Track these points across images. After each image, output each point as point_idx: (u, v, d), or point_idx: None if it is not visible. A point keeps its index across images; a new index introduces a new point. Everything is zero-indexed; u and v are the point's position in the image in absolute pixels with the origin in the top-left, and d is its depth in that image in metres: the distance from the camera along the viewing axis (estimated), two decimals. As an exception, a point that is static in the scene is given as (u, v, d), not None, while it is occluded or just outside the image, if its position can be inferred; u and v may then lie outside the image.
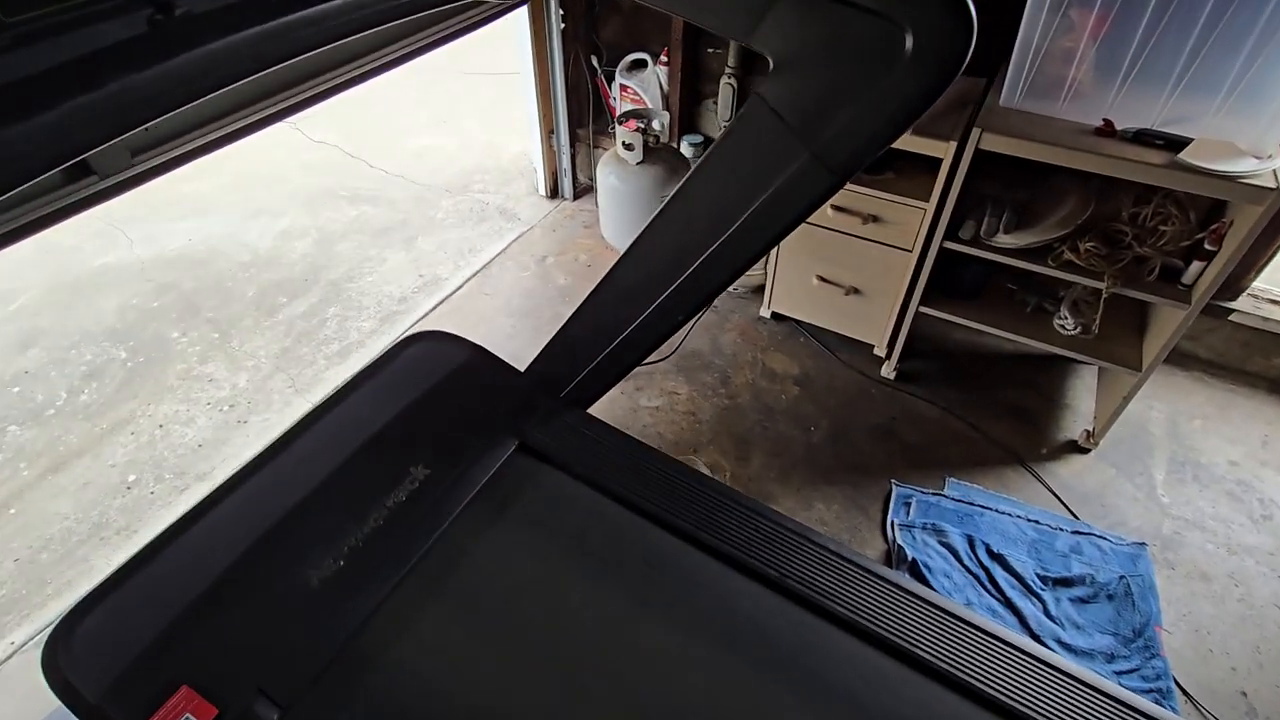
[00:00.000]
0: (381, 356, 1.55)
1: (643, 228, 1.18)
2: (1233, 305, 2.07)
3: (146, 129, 1.46)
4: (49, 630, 1.11)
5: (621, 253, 1.33)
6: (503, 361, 1.58)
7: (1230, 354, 2.19)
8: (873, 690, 1.11)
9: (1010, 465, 1.95)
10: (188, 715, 1.02)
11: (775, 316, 2.39)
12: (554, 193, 3.01)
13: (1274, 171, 1.39)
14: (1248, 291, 2.07)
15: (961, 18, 0.71)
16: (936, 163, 1.72)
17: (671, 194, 1.10)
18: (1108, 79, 1.50)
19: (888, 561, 1.73)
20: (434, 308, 2.49)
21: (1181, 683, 1.50)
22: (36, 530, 1.81)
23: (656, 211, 1.14)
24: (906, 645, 1.12)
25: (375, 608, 1.16)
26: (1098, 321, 1.80)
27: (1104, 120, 1.53)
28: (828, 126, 0.85)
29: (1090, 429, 1.98)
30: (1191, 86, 1.43)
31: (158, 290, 2.59)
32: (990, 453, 1.98)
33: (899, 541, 1.73)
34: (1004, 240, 1.72)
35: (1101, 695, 1.08)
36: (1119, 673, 1.50)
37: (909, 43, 0.75)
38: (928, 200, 1.79)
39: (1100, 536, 1.75)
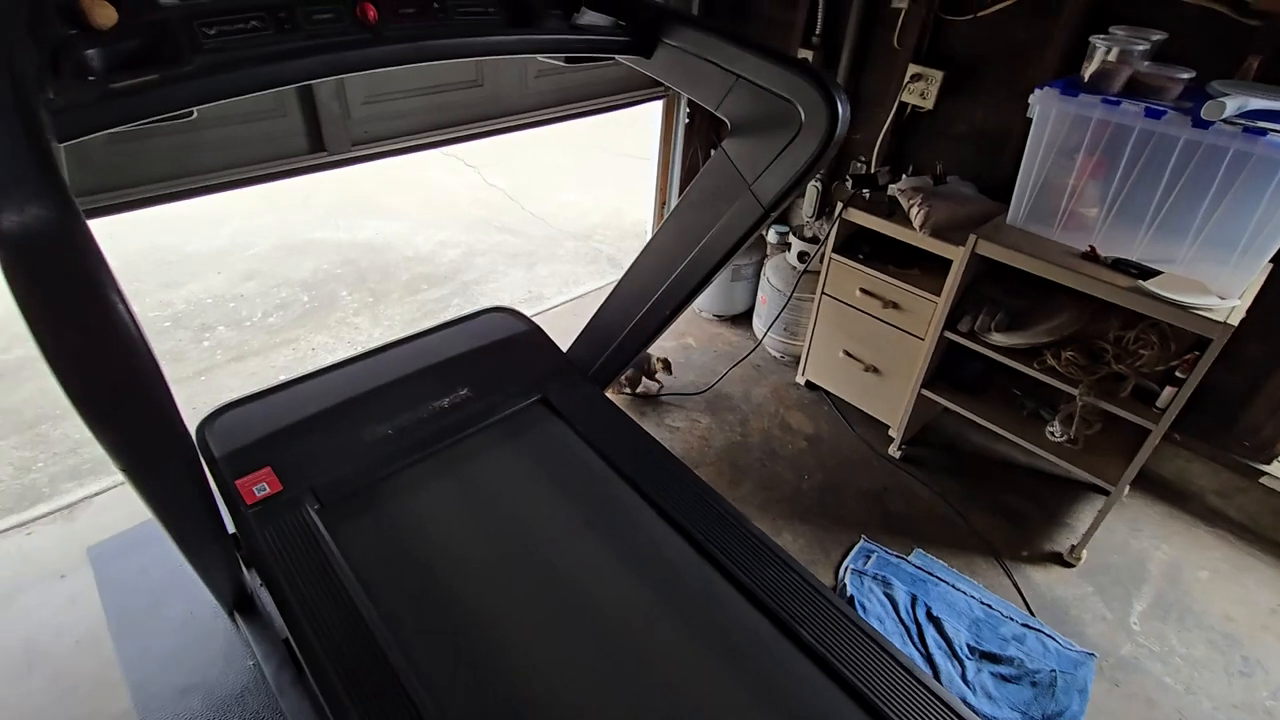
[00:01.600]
0: (467, 315, 2.07)
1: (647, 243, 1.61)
2: (1265, 468, 2.06)
3: (367, 132, 2.11)
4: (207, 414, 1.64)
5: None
6: (551, 340, 2.03)
7: (1262, 519, 2.12)
8: (748, 648, 1.32)
9: (984, 556, 2.03)
10: (263, 484, 1.49)
11: (809, 385, 2.66)
12: (658, 254, 3.53)
13: (1232, 309, 1.54)
14: (1282, 457, 2.05)
15: (830, 102, 1.08)
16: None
17: (667, 215, 1.52)
18: (1096, 212, 1.74)
19: (831, 595, 1.89)
20: (531, 316, 3.03)
21: (1081, 779, 1.51)
22: (211, 394, 2.48)
23: (656, 229, 1.56)
24: (798, 627, 1.31)
25: (401, 468, 1.59)
26: (1075, 428, 1.91)
27: (1090, 246, 1.75)
28: (759, 170, 1.24)
29: (1076, 543, 2.02)
30: (1163, 228, 1.63)
31: (343, 262, 3.39)
32: (969, 541, 2.08)
33: (845, 581, 1.90)
34: (996, 338, 1.93)
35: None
36: (1014, 745, 1.55)
37: (802, 116, 1.13)
38: (940, 295, 2.05)
39: (1049, 635, 1.80)
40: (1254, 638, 1.84)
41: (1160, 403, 1.72)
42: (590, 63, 1.32)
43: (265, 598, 1.59)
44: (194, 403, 2.41)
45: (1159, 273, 1.64)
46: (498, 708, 1.19)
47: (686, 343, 2.92)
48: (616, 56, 1.30)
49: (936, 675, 1.68)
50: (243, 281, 3.19)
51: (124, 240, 3.43)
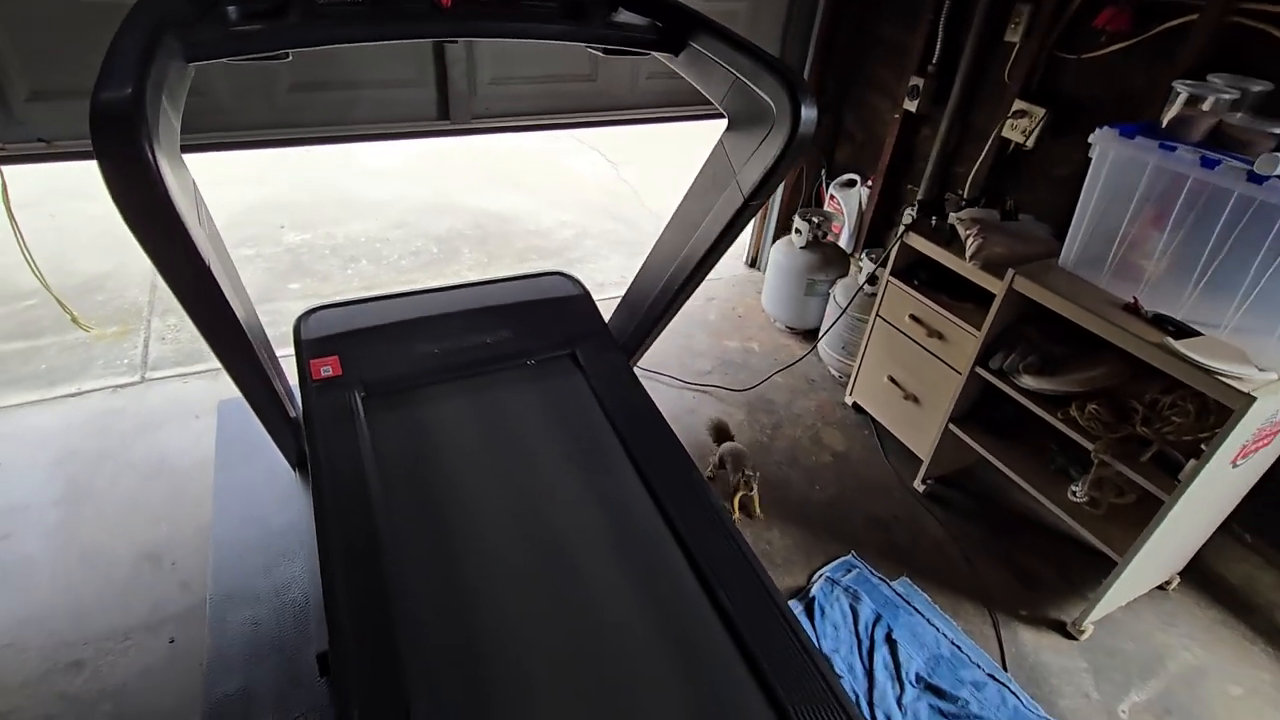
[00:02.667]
0: (531, 273, 2.35)
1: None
2: (1347, 593, 1.78)
3: (488, 109, 2.47)
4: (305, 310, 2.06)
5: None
6: (596, 308, 2.26)
7: (1339, 655, 1.83)
8: (666, 591, 1.44)
9: (976, 603, 1.95)
10: (328, 367, 1.86)
11: (855, 407, 2.65)
12: (753, 263, 3.65)
13: (1270, 386, 1.40)
14: (1373, 586, 1.77)
15: (795, 103, 1.20)
16: (998, 300, 1.95)
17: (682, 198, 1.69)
18: (1147, 264, 1.64)
19: (793, 597, 1.93)
20: (615, 296, 3.29)
21: (988, 829, 1.46)
22: (338, 309, 3.00)
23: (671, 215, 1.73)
24: (717, 588, 1.41)
25: (436, 382, 1.89)
26: (1087, 487, 1.79)
27: (1133, 298, 1.65)
28: (744, 163, 1.37)
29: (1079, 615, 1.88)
30: (1211, 288, 1.51)
31: (473, 225, 3.87)
32: (966, 586, 2.00)
33: (813, 583, 1.93)
34: (1025, 380, 1.86)
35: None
36: (925, 773, 1.52)
37: (775, 113, 1.25)
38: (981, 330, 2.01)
39: (1013, 692, 1.71)
40: (1270, 769, 1.62)
41: (1182, 475, 1.58)
42: (627, 55, 1.53)
43: (315, 459, 1.97)
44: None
45: (1198, 334, 1.53)
46: (446, 583, 1.42)
47: (750, 346, 3.03)
48: (650, 52, 1.50)
49: (871, 686, 1.68)
50: (392, 228, 3.78)
51: (317, 183, 4.19)
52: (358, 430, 1.72)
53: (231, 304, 1.32)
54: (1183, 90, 1.61)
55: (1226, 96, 1.57)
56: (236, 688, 1.60)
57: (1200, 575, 2.04)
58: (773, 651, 1.36)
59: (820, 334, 2.88)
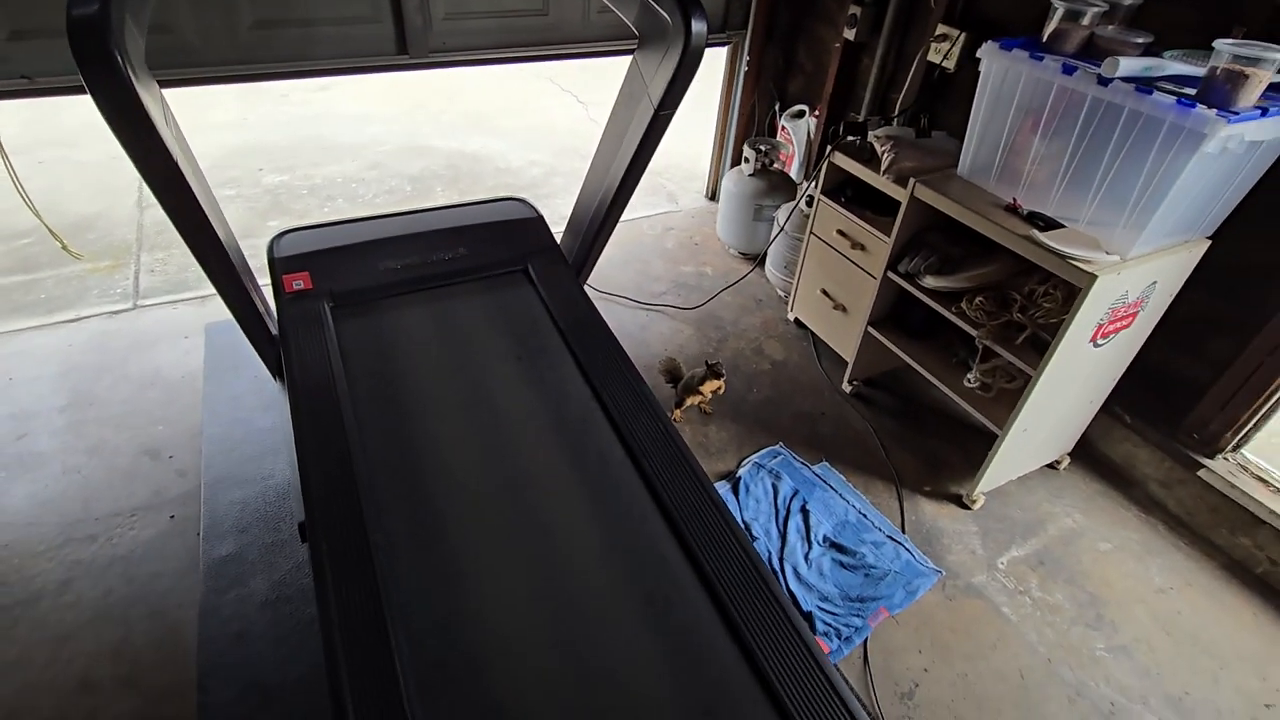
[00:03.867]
0: (489, 198, 2.53)
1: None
2: (1205, 461, 2.02)
3: (445, 43, 2.62)
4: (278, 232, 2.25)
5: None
6: (548, 229, 2.44)
7: (1199, 516, 2.08)
8: (594, 458, 1.67)
9: (886, 482, 2.20)
10: (300, 281, 2.06)
11: (797, 323, 2.86)
12: (712, 196, 3.81)
13: (1113, 268, 1.61)
14: (1226, 453, 2.01)
15: (687, 18, 1.37)
16: (907, 209, 2.14)
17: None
18: (1023, 168, 1.83)
19: (722, 479, 2.17)
20: (578, 228, 3.46)
21: (869, 650, 1.73)
22: (316, 243, 3.18)
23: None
24: (641, 457, 1.64)
25: (397, 294, 2.10)
26: (976, 373, 2.01)
27: (1014, 198, 1.85)
28: (652, 74, 1.55)
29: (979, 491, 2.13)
30: (1072, 184, 1.71)
31: (447, 166, 4.02)
32: (879, 468, 2.25)
33: (742, 467, 2.17)
34: (927, 281, 2.06)
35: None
36: (820, 608, 1.79)
37: (671, 26, 1.43)
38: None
39: (908, 549, 1.97)
40: (1123, 606, 1.89)
41: (1048, 353, 1.80)
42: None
43: (293, 365, 2.19)
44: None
45: (1062, 226, 1.73)
46: (402, 458, 1.63)
47: (704, 271, 3.22)
48: (568, -25, 1.65)
49: (783, 543, 1.94)
50: (368, 170, 3.92)
51: (296, 128, 4.31)
52: (326, 335, 1.93)
53: (204, 206, 1.51)
54: (1060, 5, 1.76)
55: (1098, 9, 1.73)
56: (230, 552, 1.85)
57: (1088, 455, 2.29)
58: (684, 504, 1.60)
59: (765, 255, 3.07)
